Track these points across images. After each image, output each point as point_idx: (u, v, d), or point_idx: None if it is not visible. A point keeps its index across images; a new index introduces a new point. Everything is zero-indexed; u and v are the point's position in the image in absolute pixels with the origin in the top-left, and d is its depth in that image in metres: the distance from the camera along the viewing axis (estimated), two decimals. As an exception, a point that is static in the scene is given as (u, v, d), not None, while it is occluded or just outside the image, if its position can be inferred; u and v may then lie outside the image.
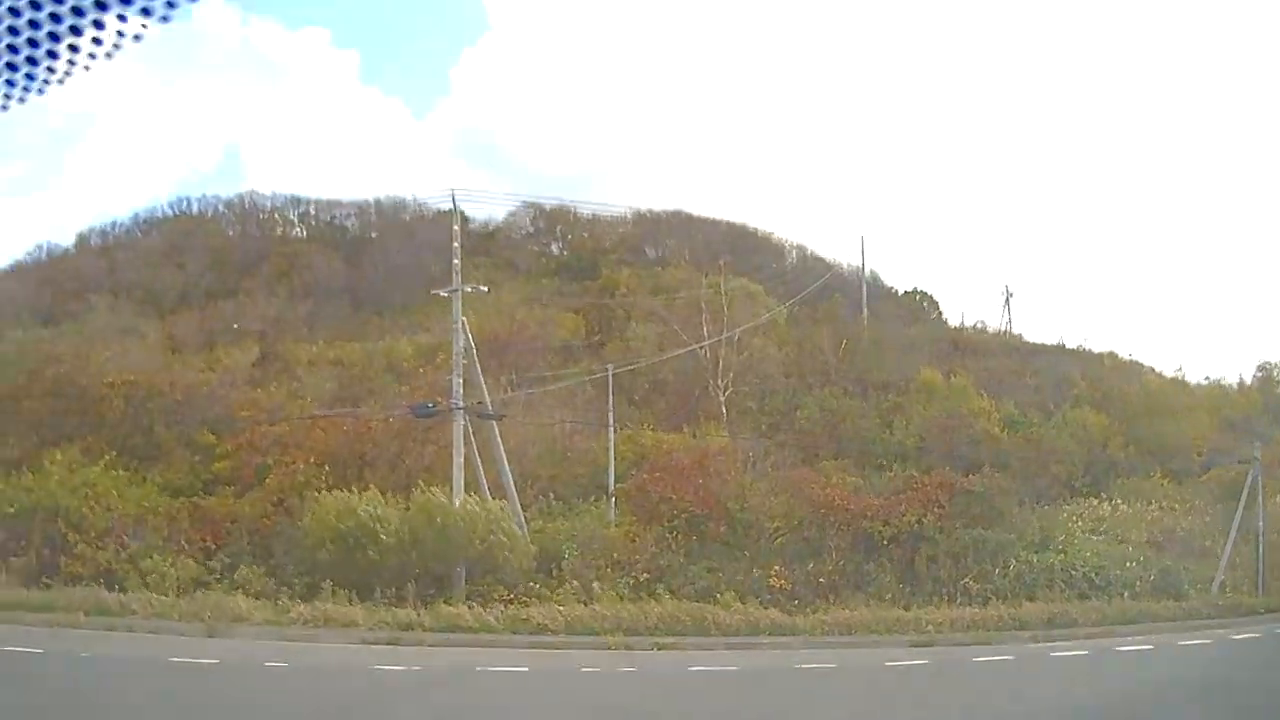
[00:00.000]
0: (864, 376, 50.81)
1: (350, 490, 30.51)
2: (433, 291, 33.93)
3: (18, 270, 60.42)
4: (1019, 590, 31.96)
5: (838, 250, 76.89)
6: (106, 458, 33.89)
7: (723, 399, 47.38)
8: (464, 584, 29.53)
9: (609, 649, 24.50)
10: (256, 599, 27.70)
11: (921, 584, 31.69)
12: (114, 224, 68.06)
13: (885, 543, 32.42)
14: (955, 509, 33.27)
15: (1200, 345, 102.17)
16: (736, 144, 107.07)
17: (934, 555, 32.29)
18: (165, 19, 2.56)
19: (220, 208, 70.18)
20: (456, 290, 32.44)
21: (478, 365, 32.87)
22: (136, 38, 2.56)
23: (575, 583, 28.96)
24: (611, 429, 38.47)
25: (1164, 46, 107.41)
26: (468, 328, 32.79)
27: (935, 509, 33.00)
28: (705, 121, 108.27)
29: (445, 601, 28.00)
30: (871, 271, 68.59)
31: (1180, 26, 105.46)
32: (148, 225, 68.68)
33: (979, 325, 65.97)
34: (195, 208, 69.53)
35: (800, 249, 73.06)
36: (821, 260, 70.67)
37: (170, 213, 69.12)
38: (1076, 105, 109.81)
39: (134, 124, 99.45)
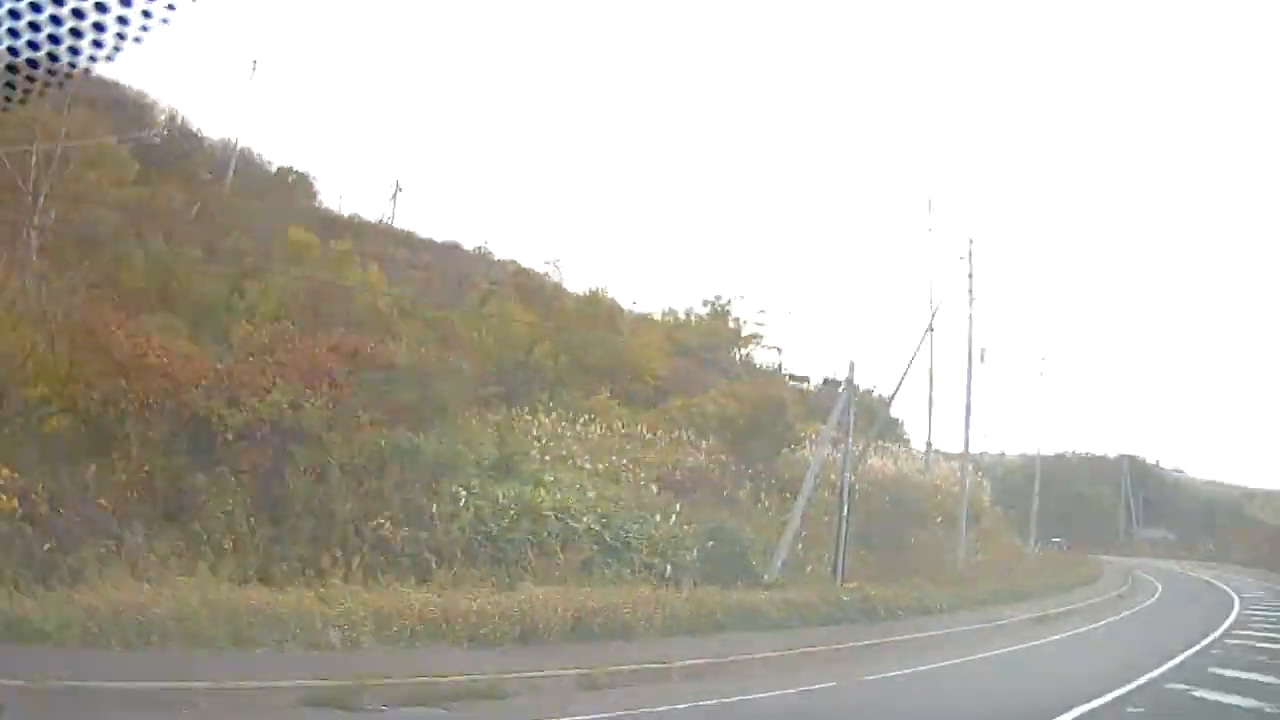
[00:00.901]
0: (218, 242, 36.59)
1: None
2: None
3: None
4: (477, 547, 16.91)
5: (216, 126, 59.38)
6: None
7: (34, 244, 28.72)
8: None
9: None
10: None
11: (297, 520, 15.25)
12: None
13: (229, 438, 15.40)
14: (363, 394, 17.23)
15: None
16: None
17: (321, 468, 15.91)
18: (165, 21, 2.40)
19: None
20: None
21: None
22: (137, 40, 2.40)
23: None
24: None
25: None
26: None
27: (328, 388, 16.66)
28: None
29: None
30: (244, 146, 51.10)
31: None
32: None
33: (355, 216, 51.55)
34: None
35: (173, 114, 54.27)
36: (190, 130, 53.32)
37: None
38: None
39: None
